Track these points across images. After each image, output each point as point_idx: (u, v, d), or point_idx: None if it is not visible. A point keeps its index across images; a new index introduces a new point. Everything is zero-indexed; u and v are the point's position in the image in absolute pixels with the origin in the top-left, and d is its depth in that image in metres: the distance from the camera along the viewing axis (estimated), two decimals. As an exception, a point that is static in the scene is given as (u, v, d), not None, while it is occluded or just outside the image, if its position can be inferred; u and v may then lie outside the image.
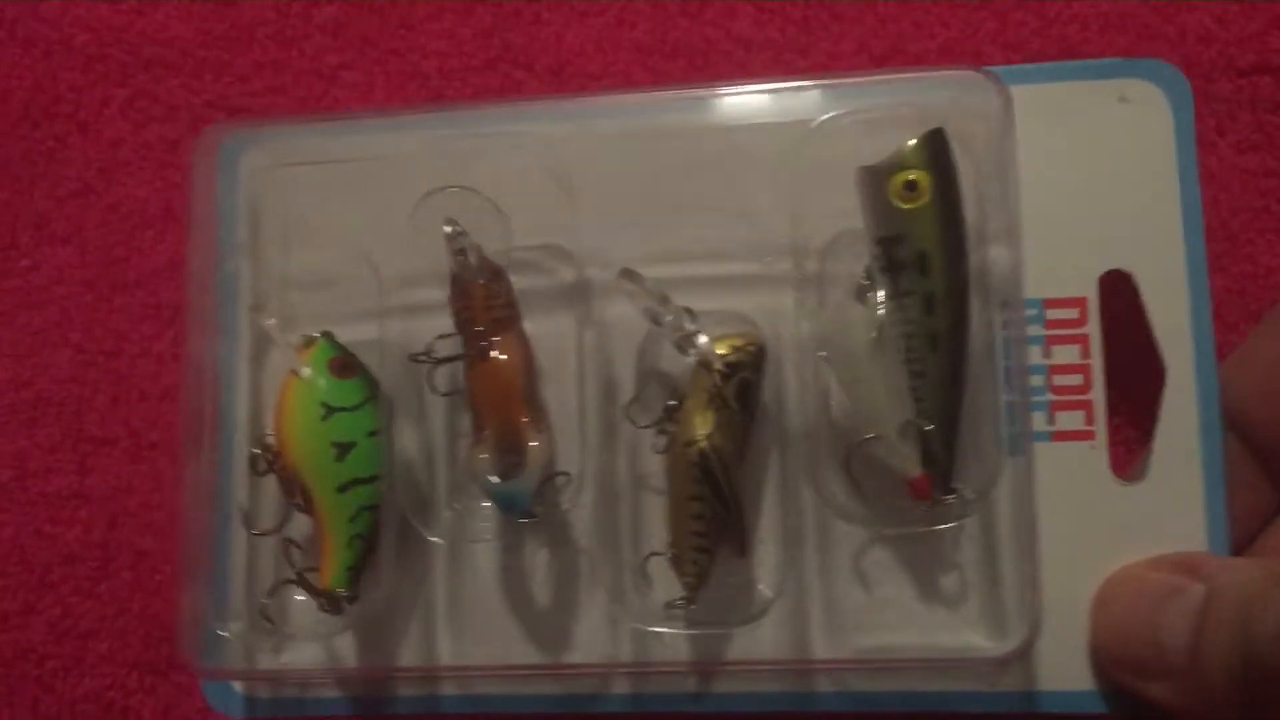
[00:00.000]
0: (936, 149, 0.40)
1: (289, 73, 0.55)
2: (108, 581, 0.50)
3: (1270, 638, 0.35)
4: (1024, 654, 0.41)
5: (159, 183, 0.54)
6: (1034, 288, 0.42)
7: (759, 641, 0.43)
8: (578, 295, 0.44)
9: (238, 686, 0.46)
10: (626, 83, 0.54)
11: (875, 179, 0.41)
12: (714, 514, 0.41)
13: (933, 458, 0.41)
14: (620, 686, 0.44)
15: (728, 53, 0.54)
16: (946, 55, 0.53)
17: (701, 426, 0.41)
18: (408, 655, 0.44)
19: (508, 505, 0.41)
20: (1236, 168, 0.51)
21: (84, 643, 0.49)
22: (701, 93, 0.45)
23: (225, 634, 0.43)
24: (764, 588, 0.43)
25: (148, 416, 0.51)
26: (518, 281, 0.44)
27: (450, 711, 0.45)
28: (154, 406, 0.52)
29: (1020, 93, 0.42)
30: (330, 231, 0.47)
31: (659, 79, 0.54)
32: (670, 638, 0.43)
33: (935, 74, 0.44)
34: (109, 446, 0.51)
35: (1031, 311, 0.43)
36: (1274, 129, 0.51)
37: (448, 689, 0.45)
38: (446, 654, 0.44)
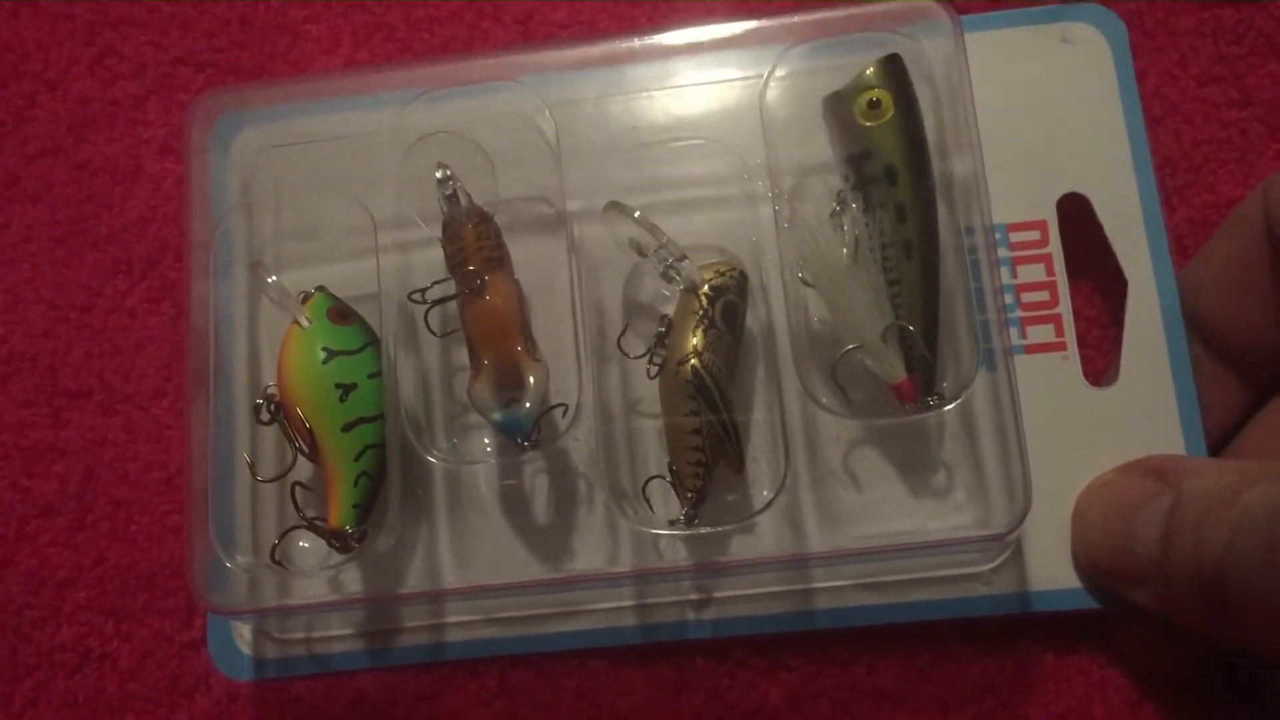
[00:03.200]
0: (895, 70, 0.43)
1: (254, 28, 0.56)
2: (84, 532, 0.50)
3: (1219, 553, 0.36)
4: (1012, 531, 0.42)
5: (128, 139, 0.55)
6: (997, 213, 0.44)
7: (757, 544, 0.44)
8: (562, 233, 0.45)
9: (245, 648, 0.47)
10: (592, 32, 0.55)
11: (840, 102, 0.44)
12: (710, 428, 0.42)
13: (915, 361, 0.43)
14: (626, 619, 0.45)
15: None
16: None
17: (692, 345, 0.42)
18: (413, 585, 0.46)
19: (511, 432, 0.42)
20: (1199, 100, 0.51)
21: (61, 592, 0.50)
22: (666, 38, 0.47)
23: (233, 566, 0.44)
24: (764, 494, 0.44)
25: (121, 370, 0.52)
26: (505, 223, 0.45)
27: (454, 658, 0.46)
28: (127, 360, 0.52)
29: (969, 39, 0.44)
30: (323, 188, 0.48)
31: (624, 27, 0.55)
32: (671, 546, 0.44)
33: (888, 6, 0.46)
34: (83, 400, 0.51)
35: (996, 235, 0.45)
36: (1235, 60, 0.51)
37: (454, 635, 0.46)
38: (451, 581, 0.45)
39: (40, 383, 0.52)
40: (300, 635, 0.47)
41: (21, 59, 0.56)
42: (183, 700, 0.48)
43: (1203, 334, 0.45)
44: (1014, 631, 0.45)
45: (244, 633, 0.47)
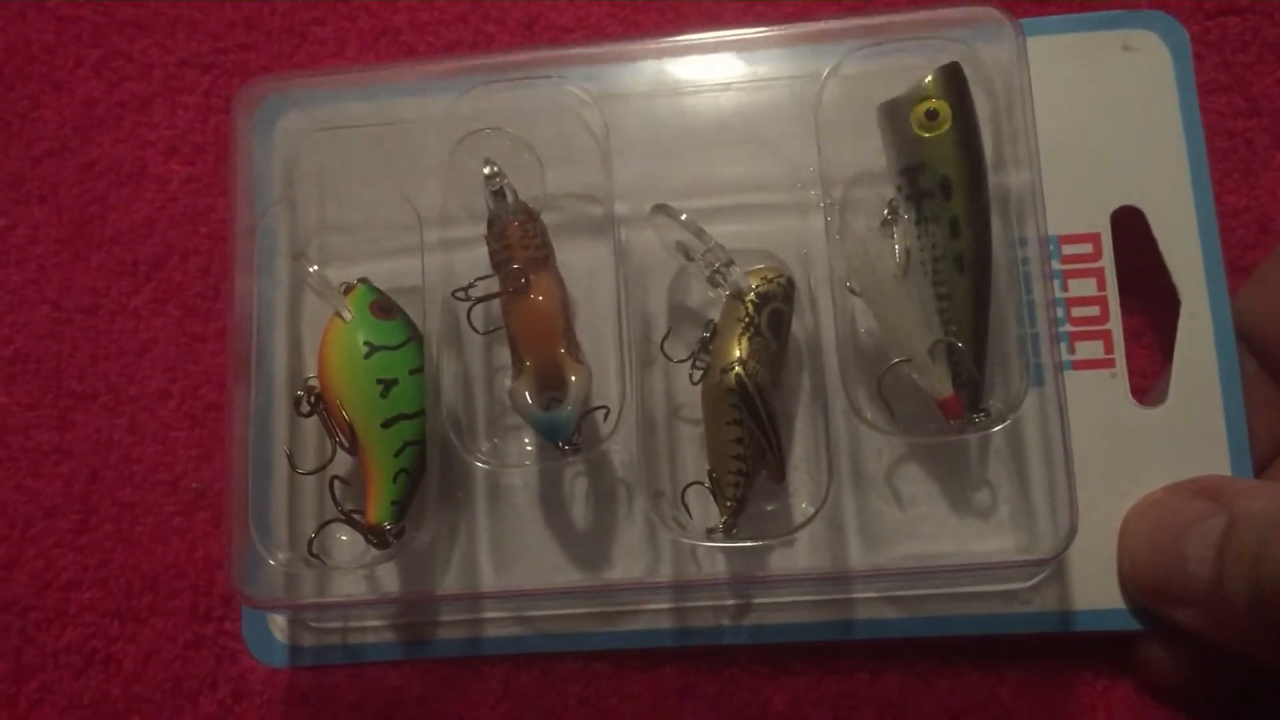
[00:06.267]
0: (954, 79, 0.42)
1: (260, 30, 0.56)
2: (89, 534, 0.50)
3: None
4: (1056, 556, 0.41)
5: (134, 141, 0.55)
6: (1049, 225, 0.43)
7: (796, 557, 0.44)
8: (609, 234, 0.45)
9: (279, 635, 0.47)
10: (599, 35, 0.55)
11: (896, 111, 0.43)
12: (751, 437, 0.42)
13: (963, 377, 0.42)
14: (662, 621, 0.45)
15: (698, 2, 0.55)
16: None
17: (736, 353, 0.42)
18: (451, 584, 0.46)
19: (551, 434, 0.42)
20: (1204, 109, 0.50)
21: (66, 594, 0.50)
22: (720, 38, 0.47)
23: (274, 562, 0.44)
24: (803, 507, 0.44)
25: (126, 371, 0.52)
26: (551, 222, 0.45)
27: (491, 654, 0.46)
28: (132, 361, 0.52)
29: (1030, 44, 0.43)
30: (367, 179, 0.48)
31: (630, 31, 0.55)
32: (709, 554, 0.44)
33: (948, 11, 0.45)
34: (88, 401, 0.52)
35: (1048, 248, 0.44)
36: (1241, 69, 0.51)
37: (489, 630, 0.46)
38: (488, 582, 0.45)
39: (45, 384, 0.52)
40: (335, 625, 0.47)
41: (28, 60, 0.56)
42: (187, 702, 0.48)
43: (1257, 356, 0.44)
44: (1019, 642, 0.45)
45: (279, 620, 0.47)
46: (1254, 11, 0.51)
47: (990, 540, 0.44)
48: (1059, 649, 0.46)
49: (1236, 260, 0.49)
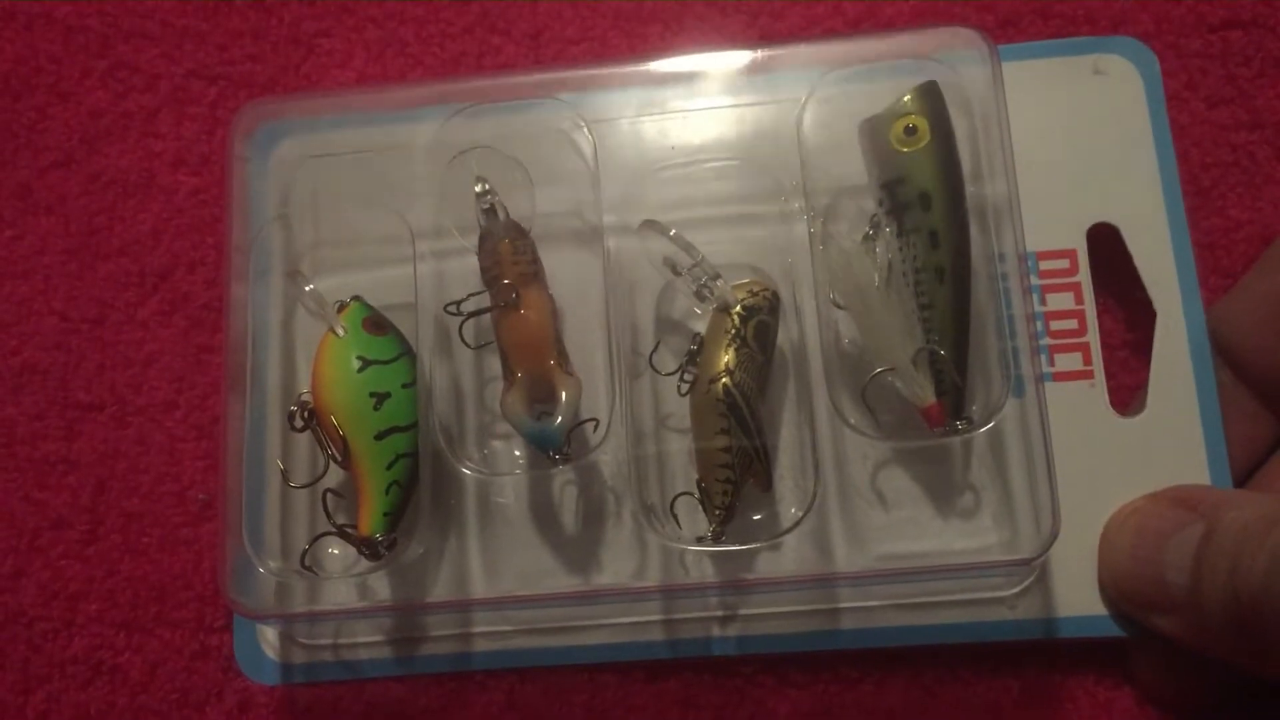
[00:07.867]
0: (931, 97, 0.44)
1: (267, 41, 0.56)
2: (96, 544, 0.50)
3: (1258, 580, 0.36)
4: (1040, 556, 0.42)
5: (140, 152, 0.55)
6: (1028, 241, 0.44)
7: (783, 561, 0.44)
8: (597, 249, 0.45)
9: (270, 653, 0.47)
10: (604, 48, 0.55)
11: (876, 128, 0.44)
12: (739, 446, 0.42)
13: (945, 385, 0.43)
14: (652, 633, 0.45)
15: (702, 16, 0.55)
16: (921, 17, 0.54)
17: (724, 364, 0.43)
18: (440, 593, 0.46)
19: (542, 444, 0.43)
20: (1208, 122, 0.51)
21: (73, 604, 0.50)
22: (705, 63, 0.48)
23: (264, 570, 0.44)
24: (792, 512, 0.45)
25: (133, 382, 0.52)
26: (539, 236, 0.46)
27: (482, 668, 0.47)
28: (139, 372, 0.52)
29: (1005, 69, 0.45)
30: (361, 198, 0.49)
31: (635, 44, 0.55)
32: (698, 562, 0.45)
33: (926, 33, 0.46)
34: (95, 412, 0.52)
35: (1027, 263, 0.45)
36: (1245, 83, 0.51)
37: (478, 644, 0.46)
38: (479, 590, 0.46)
39: (52, 395, 0.52)
40: (326, 641, 0.47)
41: (34, 71, 0.56)
42: (194, 713, 0.49)
43: (1236, 366, 0.45)
44: (1021, 652, 0.46)
45: (269, 636, 0.47)
46: (1257, 25, 0.52)
47: (973, 541, 0.44)
48: (1063, 660, 0.46)
49: (1240, 272, 0.49)
